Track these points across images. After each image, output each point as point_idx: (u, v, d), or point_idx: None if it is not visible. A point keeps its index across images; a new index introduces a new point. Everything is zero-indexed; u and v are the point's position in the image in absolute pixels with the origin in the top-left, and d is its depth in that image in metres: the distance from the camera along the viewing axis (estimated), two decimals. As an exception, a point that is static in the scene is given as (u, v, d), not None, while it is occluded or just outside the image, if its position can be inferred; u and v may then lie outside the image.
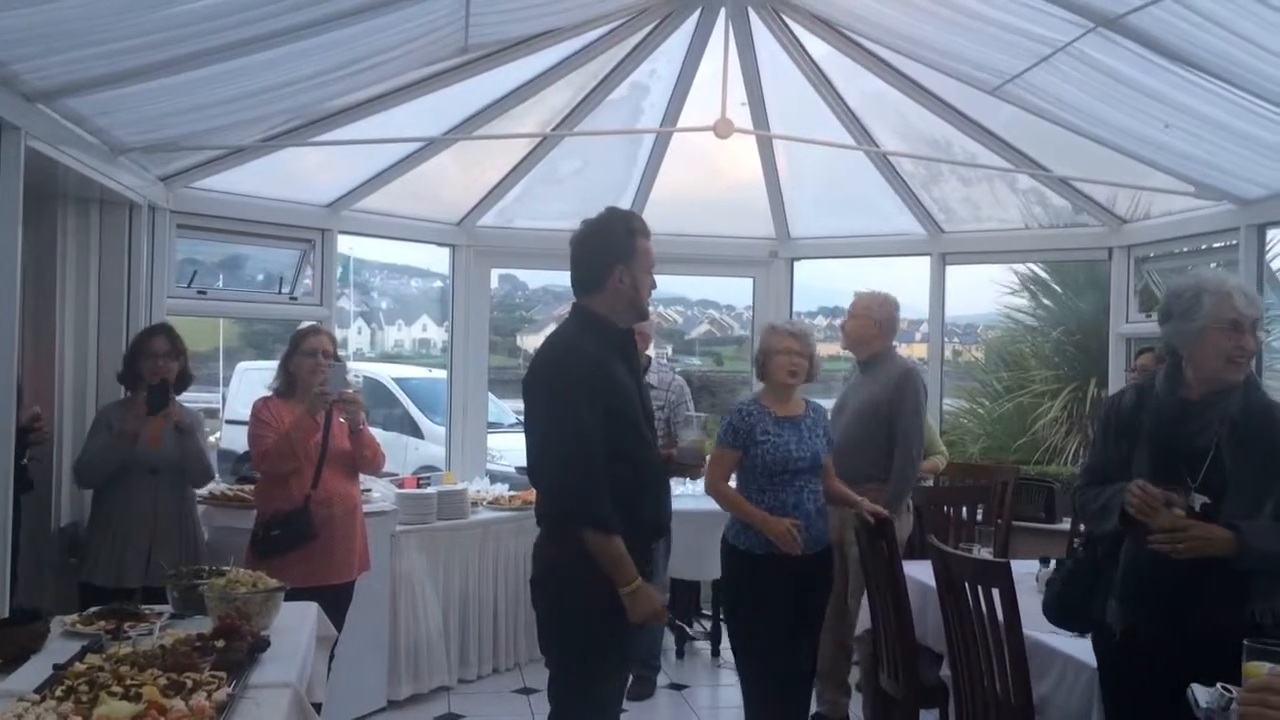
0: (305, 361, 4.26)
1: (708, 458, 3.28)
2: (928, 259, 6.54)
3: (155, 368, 4.16)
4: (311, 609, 3.38)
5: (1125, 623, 2.86)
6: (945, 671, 3.66)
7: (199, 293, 5.41)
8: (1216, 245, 5.37)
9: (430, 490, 5.51)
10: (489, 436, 7.09)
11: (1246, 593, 2.65)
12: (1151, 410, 2.88)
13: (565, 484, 2.93)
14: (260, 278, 6.31)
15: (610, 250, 3.01)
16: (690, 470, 3.02)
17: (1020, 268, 9.59)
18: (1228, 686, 1.75)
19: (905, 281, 7.09)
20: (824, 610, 4.18)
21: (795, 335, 4.11)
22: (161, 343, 4.22)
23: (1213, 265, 6.10)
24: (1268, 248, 5.07)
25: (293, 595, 3.29)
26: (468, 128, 5.40)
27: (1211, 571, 2.63)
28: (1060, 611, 3.05)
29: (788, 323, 4.30)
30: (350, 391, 4.26)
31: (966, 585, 3.29)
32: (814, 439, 4.05)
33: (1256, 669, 1.80)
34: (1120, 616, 2.87)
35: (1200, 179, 4.78)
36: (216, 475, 4.65)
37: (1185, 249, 5.61)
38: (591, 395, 2.89)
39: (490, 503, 5.82)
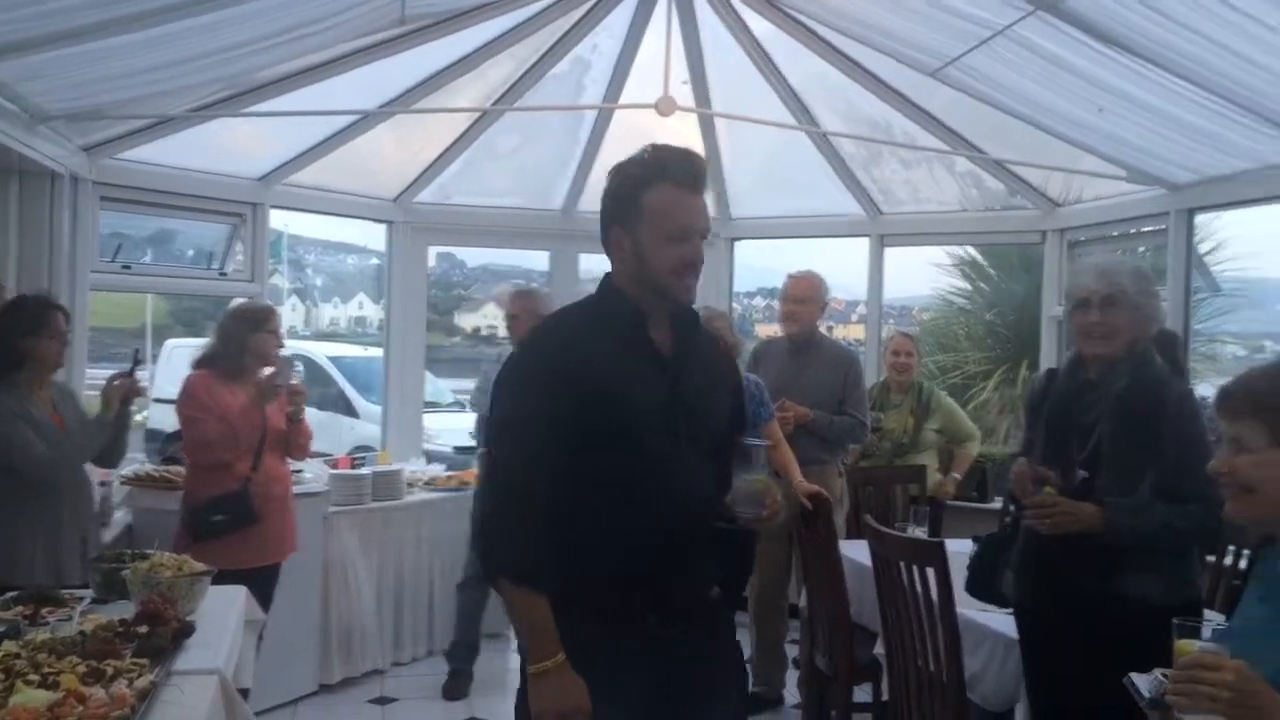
0: (271, 339, 4.14)
1: (779, 501, 2.23)
2: (866, 240, 6.56)
3: (59, 350, 3.66)
4: (239, 592, 3.30)
5: (1016, 593, 2.99)
6: (879, 649, 3.70)
7: (123, 267, 5.23)
8: (1146, 229, 5.47)
9: (364, 471, 5.42)
10: (425, 416, 7.01)
11: (1117, 567, 2.72)
12: (1054, 389, 2.99)
13: (483, 514, 2.25)
14: (190, 253, 6.13)
15: (608, 205, 2.25)
16: (752, 524, 2.19)
17: (955, 250, 9.70)
18: (1166, 672, 1.77)
19: (843, 262, 7.15)
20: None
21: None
22: (62, 320, 3.69)
23: (1141, 250, 6.25)
24: (1196, 232, 5.18)
25: (219, 579, 3.21)
26: (405, 101, 5.29)
27: (1084, 546, 2.71)
28: (970, 583, 3.13)
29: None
30: (295, 383, 4.21)
31: (901, 565, 3.31)
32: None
33: (1187, 646, 1.83)
34: (1014, 587, 3.00)
35: (1132, 163, 4.85)
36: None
37: (1116, 233, 5.70)
38: (551, 392, 2.10)
39: (426, 483, 5.75)
